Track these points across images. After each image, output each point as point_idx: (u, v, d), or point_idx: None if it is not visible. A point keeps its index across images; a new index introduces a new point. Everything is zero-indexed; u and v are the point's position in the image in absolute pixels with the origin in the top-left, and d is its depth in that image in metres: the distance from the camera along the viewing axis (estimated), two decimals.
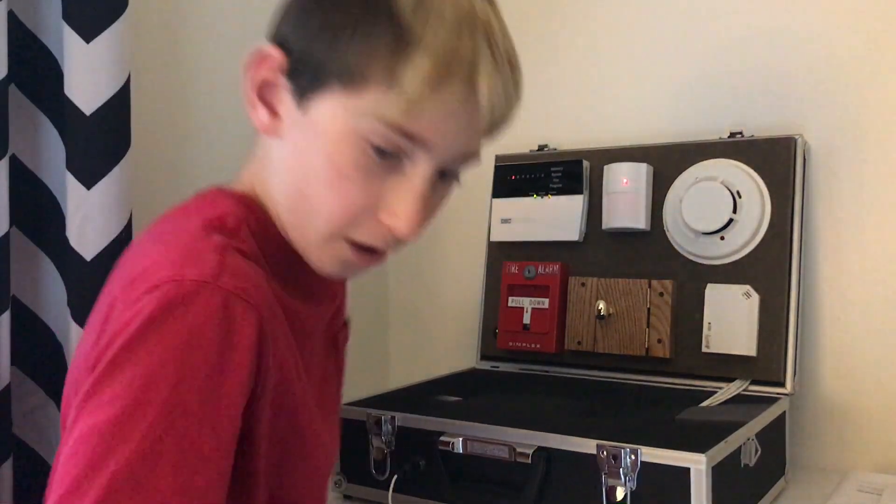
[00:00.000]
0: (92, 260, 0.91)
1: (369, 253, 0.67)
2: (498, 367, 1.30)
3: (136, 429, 0.52)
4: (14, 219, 0.91)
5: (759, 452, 0.94)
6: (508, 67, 0.64)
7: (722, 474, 0.82)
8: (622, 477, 0.81)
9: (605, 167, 1.22)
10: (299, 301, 0.70)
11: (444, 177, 0.67)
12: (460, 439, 0.91)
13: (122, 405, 0.53)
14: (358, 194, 0.63)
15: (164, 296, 0.56)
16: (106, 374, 0.54)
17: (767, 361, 1.09)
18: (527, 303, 1.26)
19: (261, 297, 0.60)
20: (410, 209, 0.64)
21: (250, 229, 0.67)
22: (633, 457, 0.81)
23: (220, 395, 0.56)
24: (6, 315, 0.87)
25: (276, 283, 0.66)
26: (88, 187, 0.91)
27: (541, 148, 1.36)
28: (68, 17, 0.90)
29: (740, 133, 1.18)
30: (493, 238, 1.33)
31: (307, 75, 0.64)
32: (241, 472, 0.62)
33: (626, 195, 1.20)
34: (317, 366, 0.76)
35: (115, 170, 0.92)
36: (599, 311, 1.18)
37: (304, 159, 0.65)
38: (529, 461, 0.87)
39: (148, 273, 0.59)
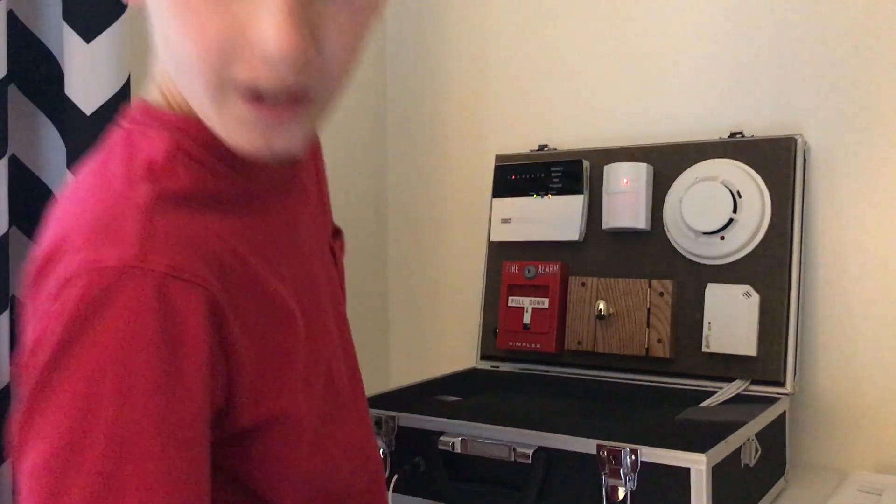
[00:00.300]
0: None
1: (272, 104, 0.51)
2: (498, 366, 1.30)
3: (86, 461, 0.46)
4: (14, 219, 0.91)
5: (759, 452, 0.94)
6: None
7: (722, 474, 0.82)
8: (622, 477, 0.81)
9: (605, 167, 1.22)
10: (271, 197, 0.61)
11: None
12: (460, 439, 0.91)
13: (62, 436, 0.46)
14: (210, 20, 0.49)
15: (82, 293, 0.47)
16: (37, 397, 0.47)
17: (767, 361, 1.09)
18: (527, 303, 1.26)
19: (201, 264, 0.51)
20: (276, 15, 0.47)
21: (187, 152, 0.56)
22: (633, 457, 0.81)
23: (175, 401, 0.48)
24: (6, 315, 0.87)
25: (234, 194, 0.57)
26: None
27: (541, 148, 1.36)
28: (68, 17, 0.90)
29: (740, 133, 1.18)
30: (493, 238, 1.33)
31: None
32: (254, 475, 0.57)
33: (626, 195, 1.20)
34: (316, 274, 0.66)
35: None
36: (599, 310, 1.18)
37: (156, 10, 0.52)
38: (529, 461, 0.87)
39: (60, 254, 0.50)
